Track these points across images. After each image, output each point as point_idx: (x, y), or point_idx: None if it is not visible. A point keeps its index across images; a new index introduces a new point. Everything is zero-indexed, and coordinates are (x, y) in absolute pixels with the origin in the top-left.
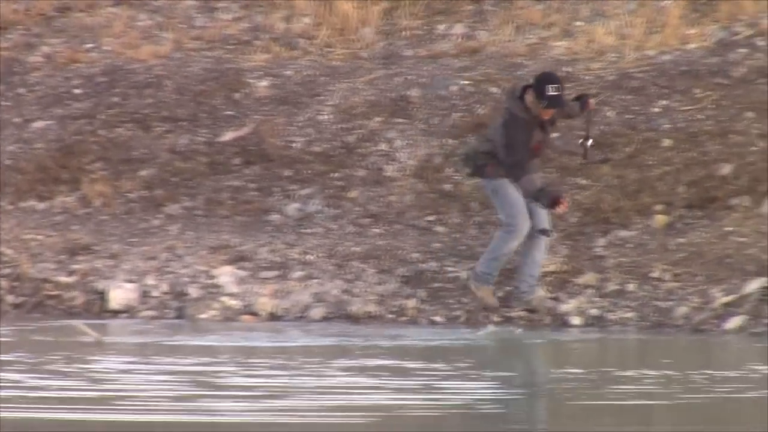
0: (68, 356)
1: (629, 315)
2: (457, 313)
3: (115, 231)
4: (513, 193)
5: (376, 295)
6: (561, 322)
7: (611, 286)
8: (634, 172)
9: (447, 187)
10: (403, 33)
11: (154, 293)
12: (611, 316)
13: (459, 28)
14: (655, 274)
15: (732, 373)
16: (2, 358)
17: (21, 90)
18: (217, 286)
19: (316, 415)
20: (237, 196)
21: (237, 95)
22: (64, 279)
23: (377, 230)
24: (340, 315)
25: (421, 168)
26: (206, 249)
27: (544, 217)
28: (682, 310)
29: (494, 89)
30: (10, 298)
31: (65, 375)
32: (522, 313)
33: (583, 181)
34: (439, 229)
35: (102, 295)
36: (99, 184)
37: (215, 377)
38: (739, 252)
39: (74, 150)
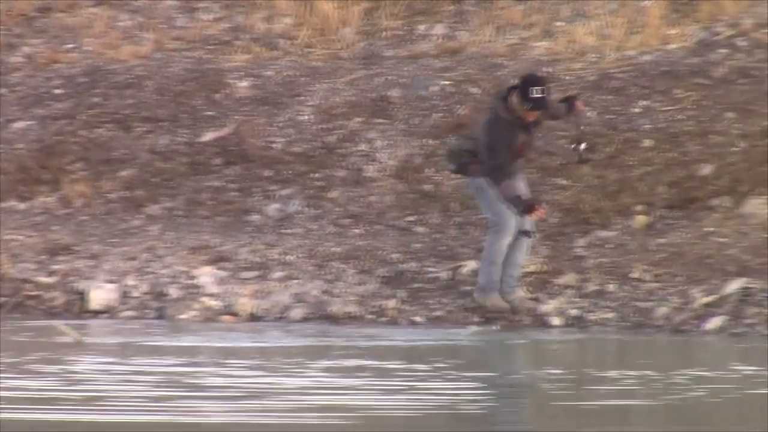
0: (48, 356)
1: (609, 315)
2: (438, 313)
3: (96, 231)
4: None
5: (356, 296)
6: (541, 322)
7: (591, 287)
8: (614, 173)
9: (427, 187)
10: (384, 33)
11: (135, 293)
12: (591, 316)
13: (439, 29)
14: (636, 275)
15: (712, 374)
16: None
17: (2, 90)
18: (197, 286)
19: (297, 415)
20: (217, 196)
21: (217, 95)
22: (44, 279)
23: (357, 231)
24: (320, 315)
25: (401, 168)
26: (186, 249)
27: (527, 218)
28: (663, 310)
29: (475, 90)
30: None
31: (45, 375)
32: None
33: (564, 182)
34: (420, 229)
35: (82, 296)
36: (79, 184)
37: (195, 378)
38: (719, 252)
39: (55, 150)
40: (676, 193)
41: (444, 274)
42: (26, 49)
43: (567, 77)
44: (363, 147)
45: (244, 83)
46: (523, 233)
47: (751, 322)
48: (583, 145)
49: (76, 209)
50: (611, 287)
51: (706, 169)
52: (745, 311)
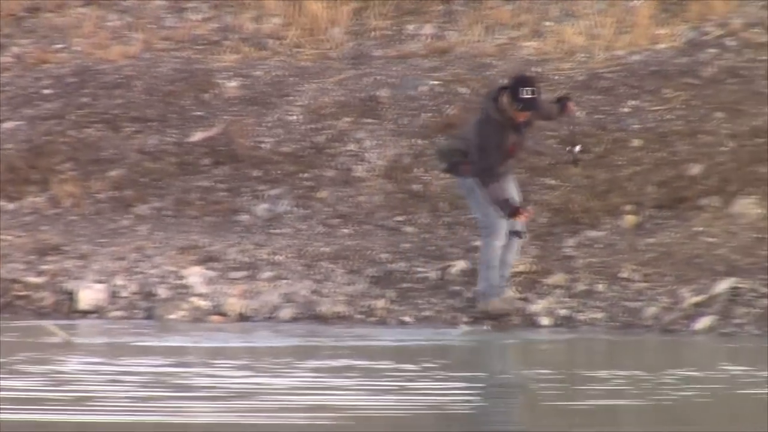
0: (36, 357)
1: (598, 315)
2: (427, 313)
3: (85, 231)
4: None
5: (345, 296)
6: (530, 322)
7: (580, 287)
8: (603, 173)
9: (416, 187)
10: (373, 33)
11: (124, 294)
12: (580, 316)
13: (428, 29)
14: (625, 275)
15: (701, 374)
16: None
17: None
18: (186, 286)
19: (285, 415)
20: (206, 196)
21: (206, 95)
22: (33, 279)
23: (346, 230)
24: (309, 315)
25: (390, 168)
26: (175, 249)
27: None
28: (652, 310)
29: (464, 89)
30: None
31: (33, 375)
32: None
33: (552, 182)
34: (408, 229)
35: (71, 296)
36: (68, 184)
37: (184, 378)
38: (708, 252)
39: (44, 150)
40: (665, 192)
41: (433, 274)
42: (15, 49)
43: (556, 77)
44: (352, 147)
45: (233, 83)
46: (514, 234)
47: (740, 322)
48: (578, 147)
49: (65, 209)
50: (600, 287)
51: (695, 169)
52: (734, 311)
